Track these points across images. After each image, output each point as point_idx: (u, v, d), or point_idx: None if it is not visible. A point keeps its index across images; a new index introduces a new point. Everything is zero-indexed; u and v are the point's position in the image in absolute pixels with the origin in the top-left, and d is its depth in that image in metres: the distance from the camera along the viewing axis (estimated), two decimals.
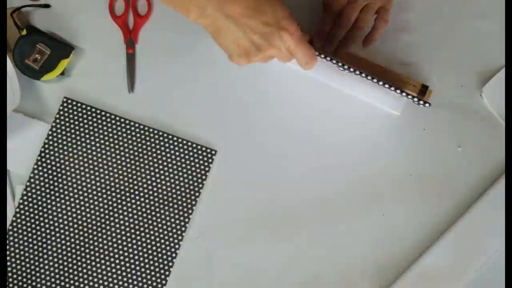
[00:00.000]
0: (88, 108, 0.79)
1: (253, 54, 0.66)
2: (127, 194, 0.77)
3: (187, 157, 0.78)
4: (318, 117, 0.80)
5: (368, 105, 0.81)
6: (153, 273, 0.76)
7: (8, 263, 0.75)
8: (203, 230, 0.77)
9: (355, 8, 0.74)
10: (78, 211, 0.76)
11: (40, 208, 0.76)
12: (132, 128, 0.79)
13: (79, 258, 0.75)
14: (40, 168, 0.77)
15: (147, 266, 0.76)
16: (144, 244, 0.76)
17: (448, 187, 0.79)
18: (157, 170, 0.78)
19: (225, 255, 0.77)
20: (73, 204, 0.76)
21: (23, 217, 0.76)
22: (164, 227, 0.77)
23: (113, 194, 0.77)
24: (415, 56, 0.82)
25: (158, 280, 0.75)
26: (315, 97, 0.81)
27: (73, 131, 0.78)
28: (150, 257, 0.76)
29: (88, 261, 0.75)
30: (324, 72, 0.80)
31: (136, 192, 0.77)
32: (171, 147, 0.78)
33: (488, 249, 0.76)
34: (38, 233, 0.76)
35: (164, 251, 0.76)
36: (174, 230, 0.76)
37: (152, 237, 0.76)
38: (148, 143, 0.78)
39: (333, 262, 0.77)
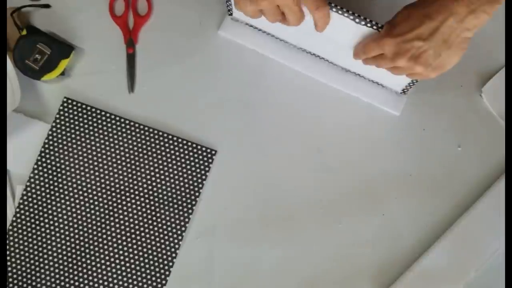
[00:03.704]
0: (88, 108, 0.79)
1: None
2: (127, 194, 0.77)
3: (187, 157, 0.78)
4: (318, 117, 0.80)
5: (368, 105, 0.81)
6: (153, 273, 0.76)
7: (8, 263, 0.75)
8: (203, 230, 0.77)
9: None
10: (78, 211, 0.76)
11: (40, 208, 0.76)
12: (132, 128, 0.79)
13: (79, 258, 0.75)
14: (40, 168, 0.77)
15: (147, 266, 0.76)
16: (144, 244, 0.76)
17: (448, 187, 0.79)
18: (157, 170, 0.78)
19: (225, 255, 0.77)
20: (73, 204, 0.77)
21: (23, 217, 0.76)
22: (164, 227, 0.77)
23: (113, 194, 0.77)
24: None
25: (158, 280, 0.75)
26: (315, 97, 0.81)
27: (73, 131, 0.78)
28: (150, 257, 0.76)
29: (88, 261, 0.75)
30: (325, 72, 0.81)
31: (136, 192, 0.77)
32: (171, 147, 0.78)
33: (488, 249, 0.76)
34: (38, 233, 0.76)
35: (164, 251, 0.76)
36: (174, 230, 0.76)
37: (152, 237, 0.76)
38: (148, 143, 0.78)
39: (333, 262, 0.77)
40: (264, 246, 0.77)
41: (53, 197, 0.77)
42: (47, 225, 0.76)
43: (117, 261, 0.76)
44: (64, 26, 0.81)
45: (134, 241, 0.76)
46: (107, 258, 0.76)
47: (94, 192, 0.77)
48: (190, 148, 0.78)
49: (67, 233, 0.76)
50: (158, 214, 0.77)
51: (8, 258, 0.75)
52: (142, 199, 0.77)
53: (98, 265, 0.75)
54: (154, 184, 0.78)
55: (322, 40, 0.74)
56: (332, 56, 0.79)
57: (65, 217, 0.76)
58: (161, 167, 0.78)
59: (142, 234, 0.76)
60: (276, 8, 0.65)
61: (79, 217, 0.76)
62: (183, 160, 0.78)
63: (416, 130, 0.80)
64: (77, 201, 0.77)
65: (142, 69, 0.81)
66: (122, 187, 0.77)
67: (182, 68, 0.81)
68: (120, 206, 0.77)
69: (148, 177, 0.78)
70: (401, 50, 0.63)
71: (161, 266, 0.76)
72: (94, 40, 0.82)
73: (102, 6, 0.82)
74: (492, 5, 0.60)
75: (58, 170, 0.77)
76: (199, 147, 0.78)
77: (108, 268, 0.75)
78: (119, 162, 0.78)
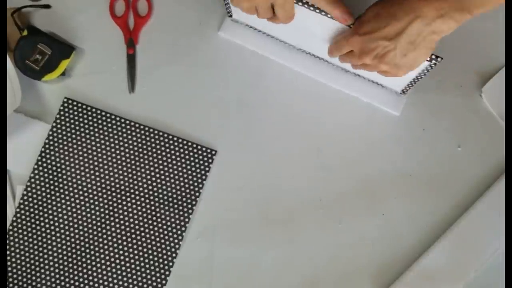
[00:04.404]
0: (89, 108, 0.79)
1: None
2: (127, 194, 0.77)
3: (187, 157, 0.78)
4: (318, 117, 0.81)
5: (368, 105, 0.81)
6: (153, 273, 0.76)
7: (8, 263, 0.75)
8: (203, 230, 0.77)
9: None
10: (78, 211, 0.77)
11: (41, 208, 0.76)
12: (133, 128, 0.79)
13: (79, 258, 0.75)
14: (40, 168, 0.77)
15: (147, 266, 0.76)
16: (144, 244, 0.76)
17: (448, 187, 0.79)
18: (157, 170, 0.78)
19: (225, 255, 0.77)
20: (73, 204, 0.77)
21: (23, 217, 0.76)
22: (164, 227, 0.77)
23: (113, 194, 0.77)
24: None
25: (158, 280, 0.75)
26: (315, 97, 0.81)
27: (73, 131, 0.78)
28: (150, 257, 0.76)
29: (88, 261, 0.75)
30: (324, 72, 0.81)
31: (136, 192, 0.77)
32: (171, 147, 0.78)
33: (488, 249, 0.75)
34: (39, 233, 0.76)
35: (164, 251, 0.76)
36: (174, 230, 0.76)
37: (152, 237, 0.76)
38: (149, 143, 0.78)
39: (333, 262, 0.77)
40: (264, 246, 0.77)
41: (53, 197, 0.77)
42: (47, 225, 0.76)
43: (117, 261, 0.76)
44: (64, 26, 0.81)
45: (134, 241, 0.76)
46: (107, 258, 0.76)
47: (94, 192, 0.77)
48: (190, 148, 0.79)
49: (67, 233, 0.76)
50: (158, 214, 0.77)
51: (8, 258, 0.75)
52: (142, 199, 0.77)
53: (98, 265, 0.75)
54: (154, 184, 0.78)
55: (321, 41, 0.74)
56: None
57: (65, 217, 0.76)
58: (161, 167, 0.78)
59: (142, 234, 0.76)
60: (269, 5, 0.65)
61: (79, 217, 0.76)
62: (183, 160, 0.78)
63: (416, 130, 0.80)
64: (77, 201, 0.77)
65: (142, 69, 0.81)
66: (122, 187, 0.77)
67: (182, 68, 0.81)
68: (120, 206, 0.77)
69: (148, 177, 0.78)
70: (366, 48, 0.64)
71: (161, 266, 0.76)
72: (95, 41, 0.82)
73: (102, 7, 0.82)
74: (462, 14, 0.59)
75: (59, 170, 0.77)
76: (199, 147, 0.79)
77: (108, 268, 0.75)
78: (119, 162, 0.78)
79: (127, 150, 0.78)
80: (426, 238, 0.77)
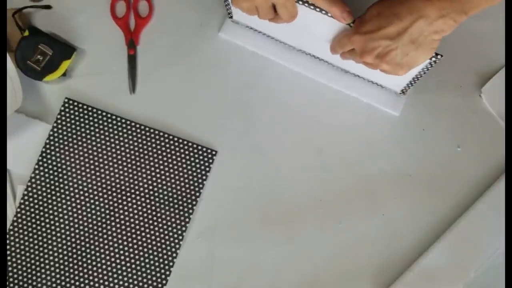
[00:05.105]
0: (89, 108, 0.79)
1: None
2: (128, 194, 0.77)
3: (187, 157, 0.78)
4: (318, 117, 0.81)
5: (367, 105, 0.81)
6: (153, 273, 0.76)
7: (9, 263, 0.75)
8: (204, 230, 0.77)
9: None
10: (79, 211, 0.77)
11: (41, 208, 0.76)
12: (133, 129, 0.79)
13: (79, 258, 0.76)
14: (41, 168, 0.77)
15: (147, 266, 0.76)
16: (144, 244, 0.76)
17: (447, 187, 0.78)
18: (157, 170, 0.78)
19: (225, 255, 0.77)
20: (73, 204, 0.77)
21: (24, 217, 0.76)
22: (165, 227, 0.77)
23: (114, 194, 0.77)
24: None
25: (159, 280, 0.75)
26: (315, 97, 0.81)
27: (74, 131, 0.78)
28: (151, 257, 0.76)
29: (89, 261, 0.76)
30: (324, 73, 0.81)
31: (137, 192, 0.77)
32: (172, 147, 0.79)
33: (488, 249, 0.75)
34: (39, 233, 0.76)
35: (164, 251, 0.76)
36: (175, 230, 0.77)
37: (153, 237, 0.76)
38: (149, 144, 0.79)
39: (333, 262, 0.77)
40: (264, 246, 0.77)
41: (53, 197, 0.77)
42: (47, 225, 0.76)
43: (117, 261, 0.76)
44: (65, 27, 0.82)
45: (134, 241, 0.76)
46: (107, 258, 0.76)
47: (95, 192, 0.77)
48: (190, 149, 0.79)
49: (67, 233, 0.76)
50: (158, 214, 0.77)
51: (8, 258, 0.75)
52: (143, 199, 0.77)
53: (98, 265, 0.75)
54: (154, 184, 0.78)
55: (321, 40, 0.75)
56: (331, 57, 0.79)
57: (65, 217, 0.76)
58: (162, 167, 0.78)
59: (143, 234, 0.77)
60: (270, 5, 0.66)
61: (79, 217, 0.77)
62: (183, 161, 0.78)
63: (416, 130, 0.80)
64: (77, 201, 0.77)
65: (143, 70, 0.82)
66: (122, 187, 0.77)
67: (183, 69, 0.82)
68: (120, 206, 0.77)
69: (149, 177, 0.78)
70: (368, 48, 0.64)
71: (162, 266, 0.76)
72: (96, 41, 0.82)
73: (103, 7, 0.83)
74: (460, 15, 0.60)
75: (59, 170, 0.77)
76: (199, 147, 0.79)
77: (108, 268, 0.75)
78: (119, 162, 0.78)
79: (127, 150, 0.78)
80: (426, 238, 0.77)
